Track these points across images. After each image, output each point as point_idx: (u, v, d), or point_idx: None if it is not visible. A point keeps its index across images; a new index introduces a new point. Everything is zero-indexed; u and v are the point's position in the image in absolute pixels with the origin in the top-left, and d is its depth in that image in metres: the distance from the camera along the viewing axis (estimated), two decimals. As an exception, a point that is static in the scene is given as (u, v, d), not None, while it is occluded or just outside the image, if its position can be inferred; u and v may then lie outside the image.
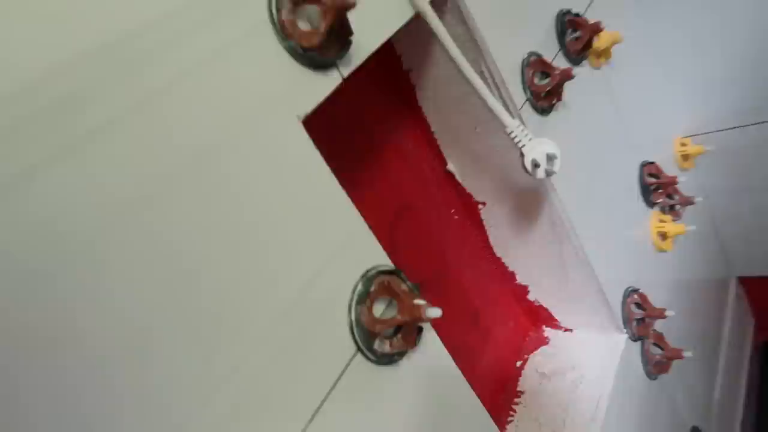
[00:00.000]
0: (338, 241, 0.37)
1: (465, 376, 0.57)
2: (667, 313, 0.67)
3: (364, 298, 0.37)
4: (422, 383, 0.41)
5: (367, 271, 0.38)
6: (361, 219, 0.39)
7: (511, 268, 0.71)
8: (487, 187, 0.65)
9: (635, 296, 0.70)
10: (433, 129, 0.64)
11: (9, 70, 0.25)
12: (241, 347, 0.32)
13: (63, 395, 0.25)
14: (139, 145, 0.29)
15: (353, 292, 0.37)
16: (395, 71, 0.61)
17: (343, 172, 0.54)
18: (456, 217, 0.68)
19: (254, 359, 0.32)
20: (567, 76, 0.57)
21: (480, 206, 0.67)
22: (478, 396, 0.65)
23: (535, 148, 0.48)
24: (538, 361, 0.72)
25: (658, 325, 0.73)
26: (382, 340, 0.38)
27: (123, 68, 0.29)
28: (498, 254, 0.71)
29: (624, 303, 0.68)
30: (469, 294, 0.68)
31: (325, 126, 0.52)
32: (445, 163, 0.66)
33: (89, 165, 0.27)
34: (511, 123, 0.48)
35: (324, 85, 0.38)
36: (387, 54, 0.59)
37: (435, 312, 0.36)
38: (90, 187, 0.27)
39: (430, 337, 0.42)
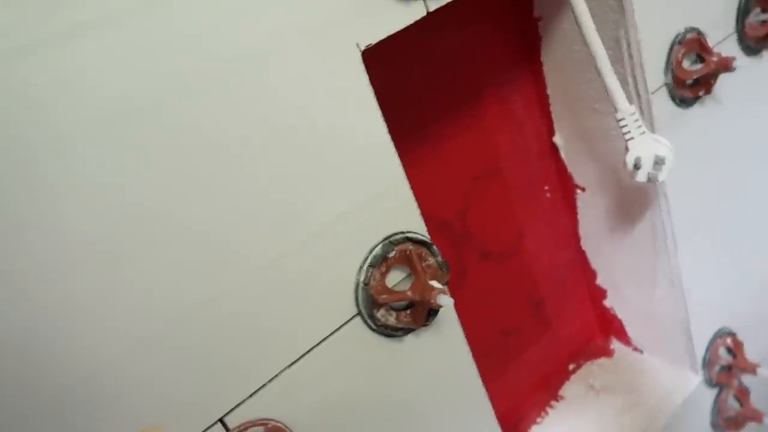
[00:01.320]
0: (370, 193, 0.34)
1: (508, 359, 0.53)
2: (760, 371, 0.57)
3: (380, 262, 0.34)
4: (424, 365, 0.38)
5: (393, 235, 0.35)
6: (405, 178, 0.35)
7: (594, 266, 0.63)
8: (591, 171, 0.57)
9: (728, 340, 0.60)
10: (549, 92, 0.56)
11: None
12: (241, 271, 0.30)
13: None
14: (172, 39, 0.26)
15: (370, 252, 0.34)
16: (524, 16, 0.53)
17: (434, 115, 0.50)
18: (548, 195, 0.61)
19: (252, 287, 0.30)
20: (725, 66, 0.46)
21: (578, 191, 0.59)
22: (513, 379, 0.61)
23: (644, 145, 0.40)
24: (592, 371, 0.65)
25: (749, 380, 0.63)
26: (389, 310, 0.35)
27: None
28: (584, 247, 0.63)
29: (711, 343, 0.59)
30: (538, 279, 0.62)
31: (420, 58, 0.47)
32: (553, 134, 0.58)
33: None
34: (624, 108, 0.40)
35: (401, 15, 0.33)
36: (519, -5, 0.52)
37: (446, 300, 0.32)
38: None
39: (448, 321, 0.38)
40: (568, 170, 0.58)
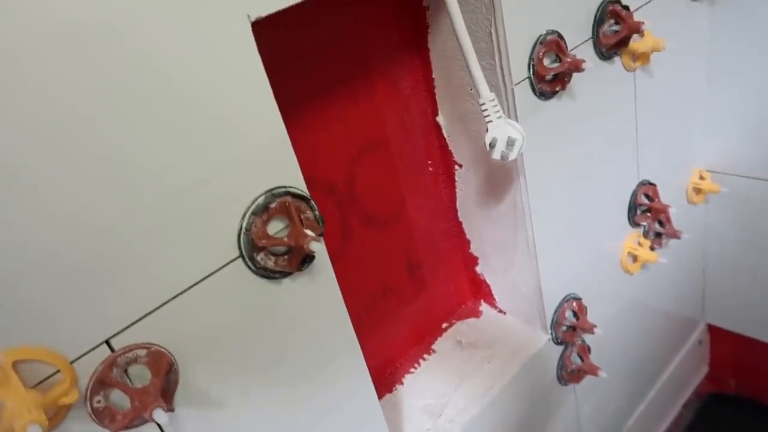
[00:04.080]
0: (253, 146, 0.38)
1: (386, 316, 0.58)
2: (596, 330, 0.67)
3: (262, 211, 0.39)
4: (299, 306, 0.43)
5: (275, 188, 0.39)
6: (286, 136, 0.39)
7: (468, 236, 0.71)
8: (467, 149, 0.64)
9: (574, 304, 0.69)
10: (434, 75, 0.62)
11: None
12: (138, 202, 0.33)
13: None
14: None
15: (253, 202, 0.38)
16: (415, 4, 0.58)
17: (327, 88, 0.54)
18: (431, 169, 0.67)
19: (146, 219, 0.34)
20: (576, 66, 0.54)
21: (457, 167, 0.66)
22: (390, 335, 0.68)
23: (500, 128, 0.47)
24: (461, 330, 0.73)
25: (592, 339, 0.74)
26: (268, 255, 0.40)
27: None
28: (460, 218, 0.70)
29: (559, 306, 0.68)
30: (416, 244, 0.69)
31: (316, 35, 0.51)
32: (437, 114, 0.64)
33: None
34: (485, 95, 0.47)
35: (290, -7, 0.37)
36: (411, -17, 0.57)
37: (317, 247, 0.37)
38: None
39: (322, 268, 0.44)
40: (449, 147, 0.65)
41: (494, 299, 0.74)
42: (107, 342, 0.34)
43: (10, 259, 0.30)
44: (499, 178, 0.62)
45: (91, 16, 0.30)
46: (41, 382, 0.32)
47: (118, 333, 0.34)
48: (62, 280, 0.31)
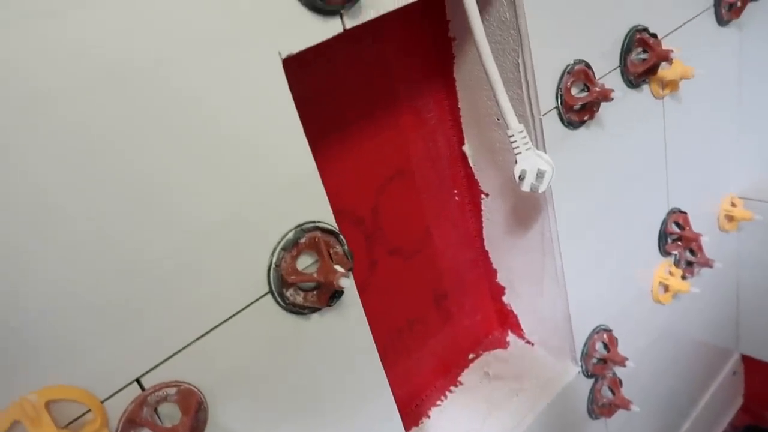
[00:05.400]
0: (284, 184, 0.38)
1: (412, 347, 0.57)
2: (628, 363, 0.66)
3: (291, 247, 0.38)
4: (328, 342, 0.43)
5: (305, 223, 0.39)
6: (317, 173, 0.39)
7: (494, 265, 0.70)
8: (494, 179, 0.63)
9: (605, 335, 0.68)
10: (460, 105, 0.62)
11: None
12: (169, 239, 0.33)
13: None
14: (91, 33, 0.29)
15: (283, 237, 0.38)
16: (441, 35, 0.59)
17: (353, 120, 0.55)
18: (457, 198, 0.67)
19: (176, 257, 0.34)
20: (604, 96, 0.54)
21: (483, 196, 0.66)
22: (416, 366, 0.67)
23: (529, 159, 0.46)
24: (488, 361, 0.72)
25: (623, 371, 0.72)
26: (297, 290, 0.39)
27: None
28: (487, 248, 0.70)
29: (589, 338, 0.67)
30: (443, 274, 0.68)
31: (343, 66, 0.51)
32: (463, 143, 0.64)
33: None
34: (514, 126, 0.46)
35: (319, 30, 0.37)
36: (437, 15, 0.57)
37: (347, 283, 0.37)
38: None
39: (350, 302, 0.43)
40: (475, 176, 0.65)
41: (522, 330, 0.72)
42: (138, 380, 0.34)
43: (44, 300, 0.30)
44: (527, 207, 0.61)
45: (130, 58, 0.30)
46: (72, 422, 0.31)
47: (149, 371, 0.34)
48: (93, 319, 0.31)
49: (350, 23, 0.39)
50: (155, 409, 0.34)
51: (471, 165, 0.65)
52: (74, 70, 0.29)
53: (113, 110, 0.30)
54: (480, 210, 0.67)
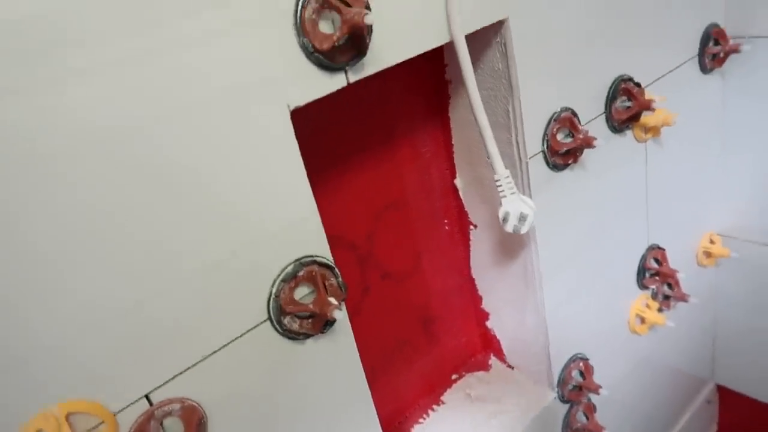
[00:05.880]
0: (285, 223, 0.42)
1: (399, 366, 0.60)
2: (601, 391, 0.69)
3: (290, 279, 0.42)
4: (319, 365, 0.46)
5: (303, 257, 0.43)
6: (317, 212, 0.43)
7: (480, 292, 0.74)
8: (482, 212, 0.67)
9: (581, 364, 0.72)
10: (453, 142, 0.66)
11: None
12: (172, 278, 0.37)
13: None
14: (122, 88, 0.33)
15: (282, 270, 0.42)
16: (438, 77, 0.63)
17: (352, 153, 0.58)
18: (447, 228, 0.71)
19: (180, 291, 0.38)
20: (587, 143, 0.58)
21: (472, 227, 0.70)
22: (402, 385, 0.70)
23: (513, 204, 0.50)
24: (470, 382, 0.75)
25: (598, 398, 0.75)
26: (293, 318, 0.43)
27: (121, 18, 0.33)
28: (473, 275, 0.73)
29: (566, 366, 0.71)
30: (431, 299, 0.72)
31: (344, 105, 0.55)
32: (455, 176, 0.68)
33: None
34: (500, 172, 0.50)
35: (325, 85, 0.41)
36: (436, 59, 0.61)
37: (339, 315, 0.41)
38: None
39: (342, 329, 0.47)
40: (465, 209, 0.69)
41: (503, 354, 0.76)
42: (147, 396, 0.37)
43: (70, 328, 0.33)
44: (512, 241, 0.65)
45: (129, 120, 0.34)
46: (87, 432, 0.35)
47: (157, 388, 0.38)
48: (111, 344, 0.35)
49: (354, 77, 0.43)
50: (161, 423, 0.38)
51: (461, 198, 0.69)
52: (79, 133, 0.33)
53: (116, 163, 0.34)
54: (468, 240, 0.71)
